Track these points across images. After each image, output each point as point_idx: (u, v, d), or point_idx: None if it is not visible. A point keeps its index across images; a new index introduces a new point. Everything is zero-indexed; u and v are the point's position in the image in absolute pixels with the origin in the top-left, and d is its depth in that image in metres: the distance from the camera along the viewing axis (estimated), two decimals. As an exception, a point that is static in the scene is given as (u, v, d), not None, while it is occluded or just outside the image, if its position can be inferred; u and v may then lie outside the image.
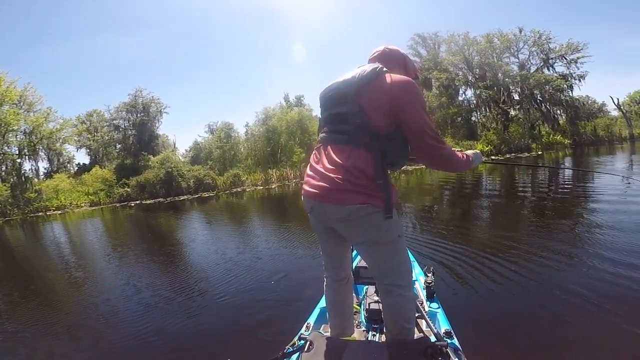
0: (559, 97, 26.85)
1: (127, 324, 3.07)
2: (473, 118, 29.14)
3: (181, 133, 73.73)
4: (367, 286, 2.09)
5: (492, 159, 20.71)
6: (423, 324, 1.76)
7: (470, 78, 28.33)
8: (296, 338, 1.67)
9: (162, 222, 11.22)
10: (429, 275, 2.16)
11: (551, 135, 25.93)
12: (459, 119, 27.48)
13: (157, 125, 29.61)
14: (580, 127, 27.75)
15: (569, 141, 25.80)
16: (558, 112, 28.70)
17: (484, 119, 29.34)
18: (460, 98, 29.14)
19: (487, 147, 23.44)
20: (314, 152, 1.46)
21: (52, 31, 60.56)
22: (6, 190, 19.98)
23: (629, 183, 7.04)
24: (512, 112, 28.47)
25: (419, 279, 2.30)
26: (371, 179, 1.25)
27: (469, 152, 1.51)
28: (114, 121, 29.35)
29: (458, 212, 7.05)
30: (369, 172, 1.24)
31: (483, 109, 29.14)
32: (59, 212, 19.01)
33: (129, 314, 3.29)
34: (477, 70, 27.78)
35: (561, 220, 5.21)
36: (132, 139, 28.34)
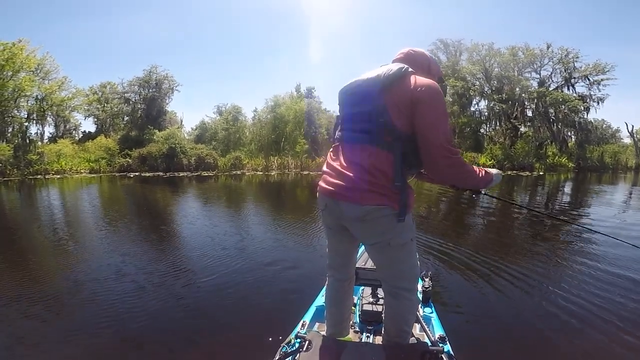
0: (573, 118, 26.43)
1: (106, 305, 2.85)
2: (482, 130, 28.90)
3: (190, 112, 73.89)
4: (363, 287, 2.07)
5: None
6: (416, 327, 1.75)
7: (486, 89, 28.01)
8: (292, 336, 1.67)
9: (158, 197, 11.16)
10: (426, 280, 2.17)
11: (557, 157, 25.60)
12: (468, 129, 27.23)
13: (167, 101, 29.84)
14: (588, 152, 27.34)
15: (572, 165, 25.47)
16: (569, 133, 28.32)
17: (492, 133, 29.10)
18: (472, 108, 28.88)
19: (490, 161, 23.21)
20: (331, 150, 1.45)
21: (76, 9, 60.84)
22: (9, 151, 20.20)
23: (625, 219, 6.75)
24: (523, 129, 28.17)
25: None
26: (390, 180, 1.23)
27: (492, 170, 1.41)
28: (126, 94, 29.55)
29: (454, 219, 6.98)
30: (389, 173, 1.23)
31: (493, 122, 28.88)
32: (58, 176, 19.08)
33: (114, 297, 3.01)
34: (495, 82, 27.40)
35: (557, 232, 5.21)
36: (141, 113, 28.54)
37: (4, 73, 20.31)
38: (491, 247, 4.47)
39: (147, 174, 19.14)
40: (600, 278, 3.33)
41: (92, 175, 19.77)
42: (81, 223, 6.78)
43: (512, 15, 60.65)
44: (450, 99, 27.81)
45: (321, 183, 1.41)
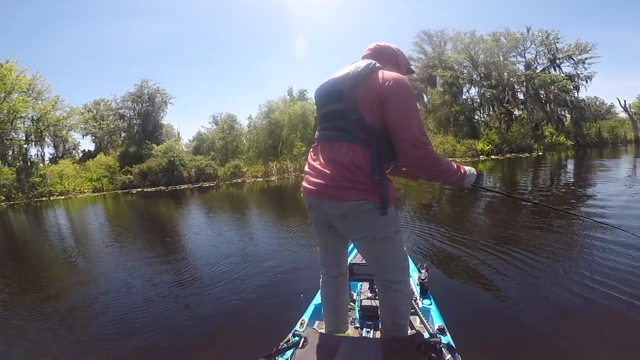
0: (564, 97, 26.65)
1: (117, 316, 3.01)
2: (476, 117, 29.09)
3: (186, 123, 74.05)
4: (361, 283, 2.07)
5: (492, 159, 20.73)
6: (417, 320, 1.76)
7: (474, 76, 28.23)
8: (290, 334, 1.67)
9: (161, 211, 11.46)
10: (423, 271, 2.16)
11: (554, 136, 25.80)
12: (462, 117, 27.40)
13: (161, 115, 30.18)
14: (585, 129, 27.53)
15: (571, 143, 25.67)
16: (563, 112, 28.52)
17: (487, 118, 29.29)
18: (464, 96, 29.09)
19: (487, 146, 23.42)
20: (311, 150, 1.47)
21: (58, 18, 60.82)
22: (12, 174, 20.46)
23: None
24: (517, 112, 28.38)
25: (413, 275, 2.26)
26: (368, 175, 1.26)
27: (467, 167, 1.43)
28: (120, 110, 29.88)
29: (454, 209, 6.99)
30: (366, 168, 1.25)
31: (486, 108, 29.07)
32: (62, 197, 19.41)
33: (120, 307, 3.19)
34: (482, 68, 27.66)
35: (559, 221, 5.03)
36: (137, 128, 28.83)
37: None
38: (492, 236, 4.48)
39: (149, 189, 19.45)
40: (606, 268, 3.15)
41: (96, 194, 20.10)
42: (89, 241, 7.08)
43: (488, 2, 60.41)
44: (441, 89, 28.03)
45: (304, 183, 1.43)
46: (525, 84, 26.77)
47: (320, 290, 1.72)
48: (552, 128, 26.90)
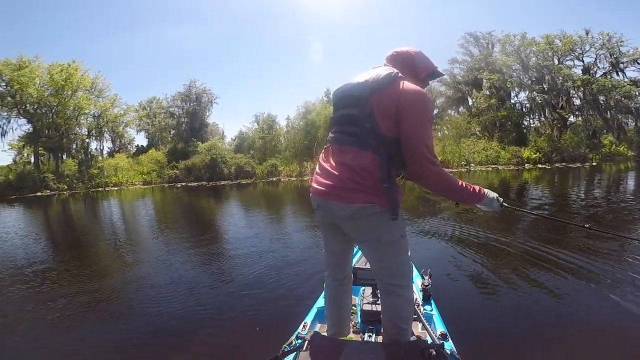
0: (627, 104, 24.26)
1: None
2: (525, 122, 27.44)
3: (232, 122, 77.22)
4: (363, 287, 2.07)
5: (539, 168, 19.48)
6: (419, 326, 1.77)
7: (525, 80, 26.61)
8: (293, 337, 1.68)
9: (200, 205, 12.23)
10: (426, 277, 2.16)
11: (614, 146, 23.64)
12: (509, 122, 25.98)
13: (207, 114, 31.69)
14: (650, 139, 24.89)
15: (633, 153, 23.35)
16: (625, 120, 25.97)
17: (538, 124, 27.52)
18: (512, 101, 27.51)
19: (535, 154, 22.02)
20: (322, 151, 1.49)
21: (119, 24, 66.40)
22: (74, 166, 22.62)
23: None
24: (572, 119, 26.37)
25: (416, 281, 2.27)
26: (377, 181, 1.27)
27: (490, 193, 1.43)
28: (170, 109, 31.72)
29: (460, 216, 6.79)
30: (376, 173, 1.26)
31: (537, 114, 27.30)
32: (116, 188, 21.02)
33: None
34: (534, 72, 25.96)
35: (573, 234, 4.91)
36: (185, 126, 30.48)
37: (65, 93, 22.36)
38: (495, 244, 4.45)
39: (193, 184, 20.57)
40: (615, 280, 3.16)
41: (145, 186, 21.56)
42: (138, 229, 7.82)
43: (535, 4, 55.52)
44: (487, 92, 26.74)
45: (313, 183, 1.44)
46: (582, 89, 24.74)
47: (324, 292, 1.74)
48: (613, 137, 24.67)
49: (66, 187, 20.34)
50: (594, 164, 20.59)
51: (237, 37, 78.20)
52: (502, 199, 1.48)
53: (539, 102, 25.94)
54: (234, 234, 6.43)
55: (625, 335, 2.27)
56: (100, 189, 20.86)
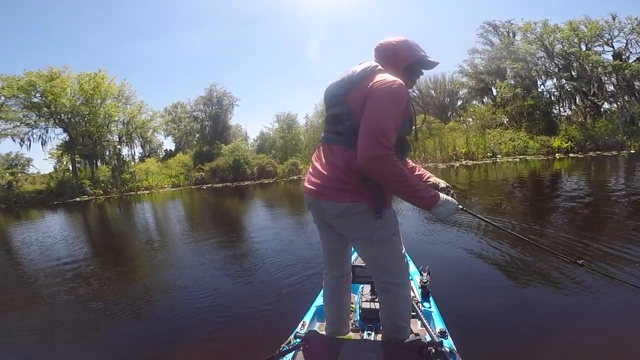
0: (666, 87, 22.72)
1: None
2: (554, 111, 26.27)
3: (253, 121, 78.44)
4: (362, 285, 2.07)
5: (571, 157, 18.66)
6: (418, 323, 1.76)
7: (551, 68, 25.47)
8: (292, 336, 1.67)
9: (228, 205, 12.69)
10: (424, 274, 2.15)
11: (656, 131, 22.11)
12: (537, 112, 24.97)
13: (229, 116, 32.45)
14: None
15: (678, 139, 21.77)
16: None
17: (570, 113, 26.30)
18: (539, 89, 26.41)
19: (566, 143, 21.07)
20: (315, 151, 1.50)
21: (138, 30, 69.04)
22: (108, 172, 23.84)
23: None
24: (607, 105, 25.01)
25: (414, 278, 2.26)
26: (363, 179, 1.27)
27: (448, 197, 1.31)
28: (194, 113, 32.70)
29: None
30: (361, 172, 1.25)
31: (567, 102, 26.08)
32: (147, 191, 21.95)
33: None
34: (560, 59, 24.81)
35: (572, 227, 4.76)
36: (208, 129, 31.39)
37: (95, 101, 23.46)
38: (495, 240, 4.33)
39: (218, 185, 21.24)
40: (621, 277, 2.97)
41: (174, 189, 22.39)
42: (169, 230, 8.23)
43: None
44: (512, 82, 25.83)
45: (305, 183, 1.45)
46: (615, 75, 23.39)
47: (322, 290, 1.74)
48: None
49: (102, 192, 21.45)
50: (632, 151, 19.44)
51: (256, 37, 79.25)
52: (457, 203, 1.35)
53: (568, 89, 24.79)
54: (250, 234, 6.56)
55: (627, 335, 2.22)
56: (132, 192, 21.83)
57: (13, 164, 34.94)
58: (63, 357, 2.57)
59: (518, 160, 19.35)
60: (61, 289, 3.98)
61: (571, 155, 19.72)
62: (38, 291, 4.09)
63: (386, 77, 1.25)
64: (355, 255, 2.16)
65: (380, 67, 1.32)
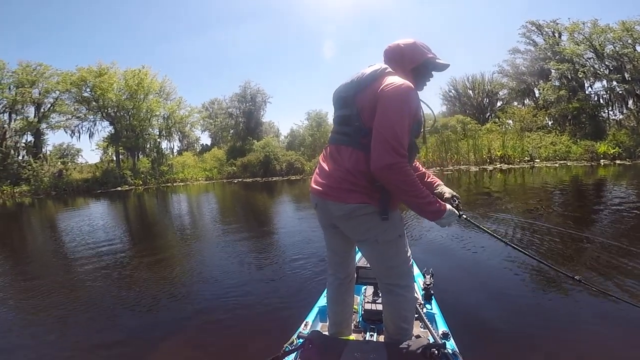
0: None
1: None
2: (603, 114, 24.52)
3: (286, 118, 79.76)
4: (365, 286, 2.08)
5: (617, 164, 17.38)
6: (420, 325, 1.77)
7: (601, 69, 23.77)
8: (295, 336, 1.68)
9: (257, 199, 13.08)
10: (428, 277, 2.15)
11: None
12: (583, 115, 23.45)
13: (262, 113, 33.19)
14: None
15: None
16: None
17: (620, 116, 24.49)
18: (586, 92, 24.76)
19: (613, 149, 19.63)
20: (323, 151, 1.51)
21: (178, 28, 72.49)
22: (148, 164, 25.28)
23: None
24: (664, 109, 22.98)
25: (418, 280, 2.27)
26: (370, 180, 1.27)
27: (451, 208, 1.35)
28: (229, 109, 33.81)
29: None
30: (368, 173, 1.25)
31: (618, 105, 24.27)
32: (182, 183, 23.01)
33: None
34: (611, 61, 23.10)
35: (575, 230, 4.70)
36: (242, 125, 32.31)
37: (138, 96, 24.88)
38: (498, 242, 4.16)
39: (248, 180, 21.84)
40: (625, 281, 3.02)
41: (207, 182, 23.33)
42: (199, 222, 8.60)
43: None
44: (557, 83, 24.41)
45: (312, 183, 1.45)
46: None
47: (326, 290, 1.75)
48: None
49: (141, 183, 22.78)
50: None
51: (290, 34, 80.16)
52: (459, 214, 1.40)
53: (620, 92, 23.05)
54: (271, 230, 6.61)
55: (629, 335, 2.22)
56: (169, 184, 22.95)
57: (64, 153, 37.85)
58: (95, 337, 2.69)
59: (558, 165, 18.30)
60: (97, 275, 4.22)
61: (618, 162, 18.36)
62: (77, 276, 4.34)
63: (395, 80, 1.25)
64: (359, 256, 2.17)
65: (389, 69, 1.33)
